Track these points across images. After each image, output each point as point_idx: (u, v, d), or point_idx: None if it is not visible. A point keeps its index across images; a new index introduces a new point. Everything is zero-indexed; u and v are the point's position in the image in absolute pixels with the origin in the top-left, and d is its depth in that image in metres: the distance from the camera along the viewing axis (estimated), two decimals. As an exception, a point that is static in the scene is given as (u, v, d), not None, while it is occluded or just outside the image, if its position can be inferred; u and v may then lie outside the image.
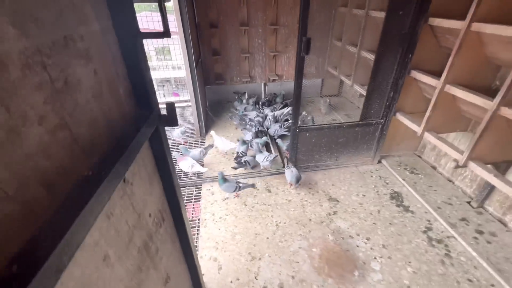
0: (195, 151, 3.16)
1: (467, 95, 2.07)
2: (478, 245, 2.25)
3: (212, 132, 3.56)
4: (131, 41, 0.71)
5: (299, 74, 2.51)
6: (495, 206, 2.52)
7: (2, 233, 0.35)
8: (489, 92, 2.13)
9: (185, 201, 2.87)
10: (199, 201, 2.84)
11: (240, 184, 2.69)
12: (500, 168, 2.35)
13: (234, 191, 2.69)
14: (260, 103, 4.62)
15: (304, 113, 4.18)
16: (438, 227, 2.45)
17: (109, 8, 0.66)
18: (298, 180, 2.83)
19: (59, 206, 0.45)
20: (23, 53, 0.40)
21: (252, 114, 4.15)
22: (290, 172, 2.86)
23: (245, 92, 4.84)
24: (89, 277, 0.52)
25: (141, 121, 0.76)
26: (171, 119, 0.85)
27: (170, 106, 0.83)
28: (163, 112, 0.90)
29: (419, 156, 3.44)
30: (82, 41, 0.54)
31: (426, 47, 2.60)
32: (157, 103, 0.85)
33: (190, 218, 2.69)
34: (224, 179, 2.68)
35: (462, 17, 2.04)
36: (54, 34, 0.47)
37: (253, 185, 2.83)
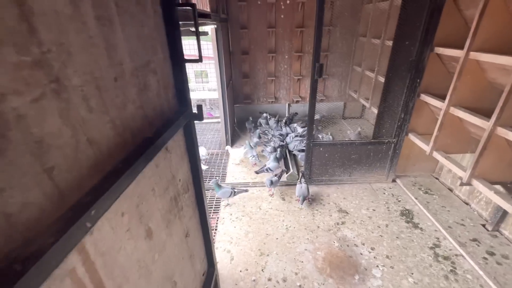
0: None
1: (467, 116, 2.23)
2: (487, 265, 2.25)
3: (227, 147, 4.05)
4: (178, 64, 1.15)
5: (313, 94, 2.86)
6: (510, 229, 2.49)
7: (115, 150, 0.75)
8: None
9: (208, 201, 3.24)
10: (219, 203, 3.19)
11: (235, 190, 3.00)
12: None
13: (229, 196, 2.98)
14: (284, 120, 4.99)
15: (329, 133, 4.46)
16: (447, 245, 2.48)
17: (168, 45, 1.10)
18: (304, 198, 2.94)
19: (136, 146, 0.85)
20: (130, 69, 0.83)
21: (275, 131, 4.54)
22: (300, 188, 3.01)
23: (267, 113, 5.25)
24: (144, 196, 0.91)
25: (180, 114, 1.17)
26: (199, 115, 1.25)
27: (199, 106, 1.24)
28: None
29: (437, 178, 3.46)
30: (153, 63, 0.97)
31: (435, 73, 2.80)
32: (191, 104, 1.26)
33: (211, 217, 3.05)
34: (219, 186, 2.97)
35: (462, 46, 2.27)
36: (142, 60, 0.90)
37: (246, 190, 3.13)
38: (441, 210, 2.89)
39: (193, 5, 1.06)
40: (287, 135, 4.42)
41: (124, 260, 0.78)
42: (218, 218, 2.96)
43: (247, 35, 4.71)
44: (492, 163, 2.12)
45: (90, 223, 0.58)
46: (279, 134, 4.42)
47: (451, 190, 3.22)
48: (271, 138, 4.46)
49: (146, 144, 0.89)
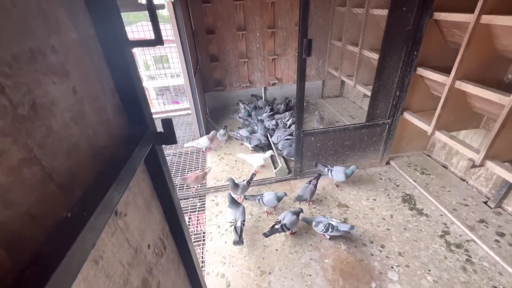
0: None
1: (480, 91, 1.97)
2: (501, 249, 2.12)
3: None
4: (118, 51, 0.62)
5: (301, 77, 2.42)
6: (514, 205, 2.40)
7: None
8: (502, 87, 2.03)
9: (189, 213, 2.77)
10: (203, 212, 2.73)
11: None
12: (518, 165, 2.24)
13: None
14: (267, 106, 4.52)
15: (316, 112, 4.10)
16: (456, 231, 2.33)
17: (90, 15, 0.57)
18: (302, 199, 2.62)
19: (27, 264, 0.35)
20: None
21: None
22: (305, 188, 2.61)
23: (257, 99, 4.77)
24: None
25: (135, 140, 0.66)
26: (169, 136, 0.75)
27: (167, 122, 0.74)
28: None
29: (429, 155, 3.33)
30: (55, 53, 0.45)
31: (431, 43, 2.50)
32: (152, 119, 0.75)
33: (195, 232, 2.59)
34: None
35: (469, 10, 1.95)
36: (15, 46, 0.38)
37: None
38: (441, 191, 2.74)
39: None
40: (274, 127, 3.95)
41: None
42: (204, 233, 2.51)
43: (211, 11, 4.03)
44: (509, 142, 1.91)
45: None
46: (263, 127, 3.93)
47: (445, 167, 3.10)
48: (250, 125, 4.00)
49: (60, 238, 0.39)
